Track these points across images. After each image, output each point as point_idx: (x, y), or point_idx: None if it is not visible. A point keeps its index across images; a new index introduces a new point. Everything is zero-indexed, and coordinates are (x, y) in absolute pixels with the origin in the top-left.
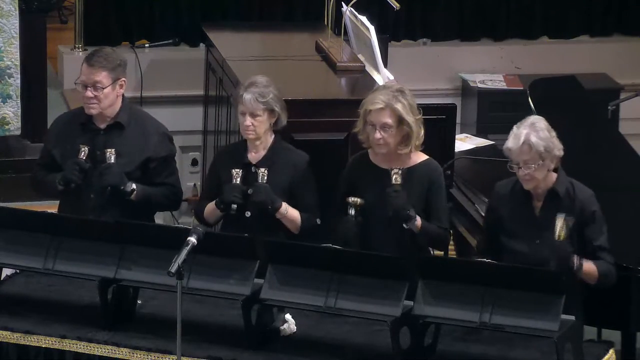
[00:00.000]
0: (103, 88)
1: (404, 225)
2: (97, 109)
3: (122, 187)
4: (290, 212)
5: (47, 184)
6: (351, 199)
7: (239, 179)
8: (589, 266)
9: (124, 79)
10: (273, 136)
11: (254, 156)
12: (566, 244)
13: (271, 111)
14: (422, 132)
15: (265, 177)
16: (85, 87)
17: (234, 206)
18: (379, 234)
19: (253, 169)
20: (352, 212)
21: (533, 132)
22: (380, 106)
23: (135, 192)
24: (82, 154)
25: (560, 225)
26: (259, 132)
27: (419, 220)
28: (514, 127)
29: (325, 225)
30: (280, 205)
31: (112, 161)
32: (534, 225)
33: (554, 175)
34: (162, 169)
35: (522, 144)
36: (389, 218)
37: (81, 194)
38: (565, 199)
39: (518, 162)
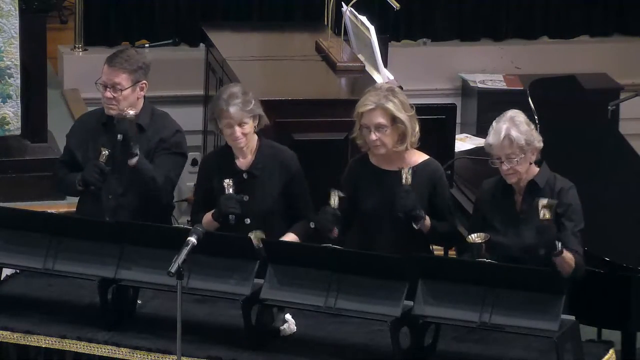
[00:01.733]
0: (122, 90)
1: (414, 225)
2: (116, 110)
3: (131, 143)
4: (290, 237)
5: (67, 183)
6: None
7: (231, 189)
8: (568, 255)
9: (144, 81)
10: (256, 137)
11: (242, 162)
12: (551, 226)
13: (255, 116)
14: (417, 128)
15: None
16: (105, 87)
17: (232, 217)
18: (381, 235)
19: (245, 175)
20: (334, 203)
21: (513, 126)
22: (371, 107)
23: (137, 157)
24: (103, 157)
25: (542, 204)
26: (248, 138)
27: (427, 220)
28: (494, 123)
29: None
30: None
31: (132, 113)
32: (515, 218)
33: (536, 169)
34: (167, 161)
35: (503, 139)
36: (391, 219)
37: (99, 195)
38: (545, 191)
39: (500, 156)
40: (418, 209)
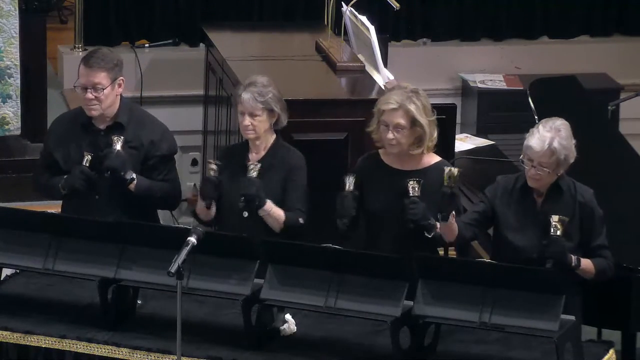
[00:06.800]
0: (103, 89)
1: (427, 234)
2: (98, 110)
3: (122, 173)
4: (274, 211)
5: (50, 187)
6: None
7: (212, 172)
8: (586, 263)
9: (122, 78)
10: (274, 136)
11: (254, 157)
12: (562, 240)
13: (270, 111)
14: (436, 133)
15: (257, 172)
16: (85, 89)
17: (208, 201)
18: (387, 234)
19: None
20: (349, 187)
21: (557, 138)
22: (394, 106)
23: (135, 182)
24: (86, 162)
25: (554, 220)
26: (258, 131)
27: (439, 227)
28: (540, 126)
29: (325, 225)
30: (265, 203)
31: (117, 147)
32: (535, 217)
33: None
34: (161, 167)
35: (546, 148)
36: (397, 219)
37: (86, 196)
38: (566, 195)
39: (533, 160)
40: (429, 219)
